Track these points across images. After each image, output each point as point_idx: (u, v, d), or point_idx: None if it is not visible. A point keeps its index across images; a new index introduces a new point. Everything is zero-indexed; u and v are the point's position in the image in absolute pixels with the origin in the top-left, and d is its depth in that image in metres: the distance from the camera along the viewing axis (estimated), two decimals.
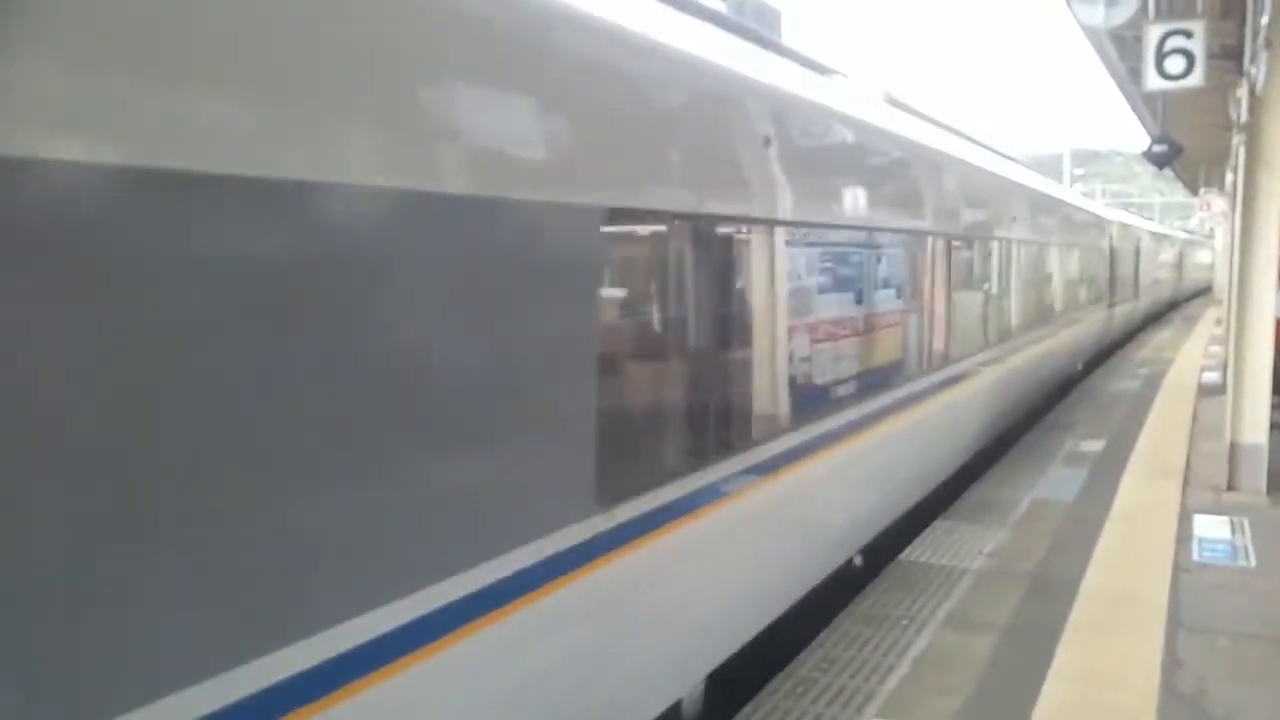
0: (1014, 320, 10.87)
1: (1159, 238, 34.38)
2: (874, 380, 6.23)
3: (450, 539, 2.91)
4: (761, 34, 5.61)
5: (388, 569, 2.68)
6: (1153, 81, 8.78)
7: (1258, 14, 8.15)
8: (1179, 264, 41.01)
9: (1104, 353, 20.48)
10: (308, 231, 2.45)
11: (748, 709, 4.69)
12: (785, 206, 4.94)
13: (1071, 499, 8.47)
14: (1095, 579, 6.32)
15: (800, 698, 4.78)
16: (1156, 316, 31.81)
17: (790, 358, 5.05)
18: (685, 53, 4.34)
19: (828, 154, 5.74)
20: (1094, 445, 10.75)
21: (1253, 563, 6.76)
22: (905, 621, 5.71)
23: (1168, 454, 10.11)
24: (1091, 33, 11.60)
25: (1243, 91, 10.25)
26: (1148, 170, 48.62)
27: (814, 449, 5.22)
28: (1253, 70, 8.82)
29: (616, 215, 3.63)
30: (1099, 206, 22.78)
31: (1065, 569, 6.53)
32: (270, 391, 2.36)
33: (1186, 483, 8.88)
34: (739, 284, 4.71)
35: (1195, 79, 8.63)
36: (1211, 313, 30.47)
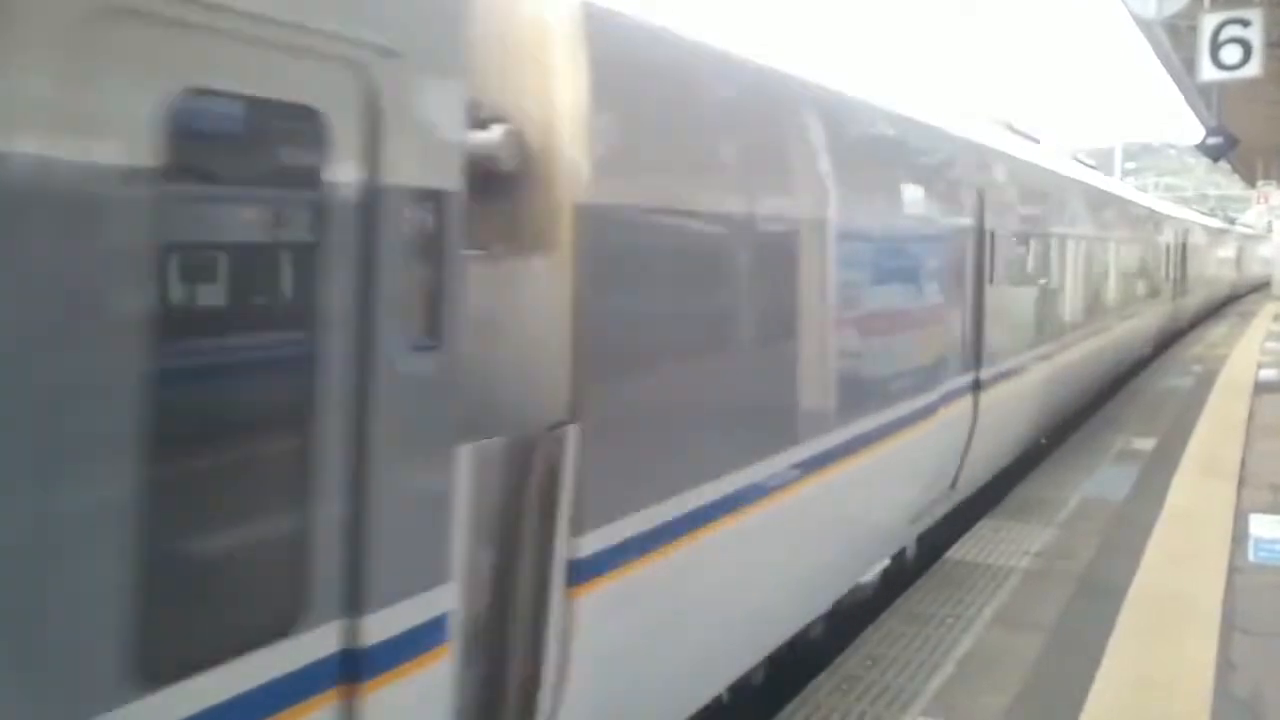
0: None
1: (1103, 206, 13.76)
2: None
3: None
4: None
5: None
6: (1208, 72, 8.63)
7: None
8: (1179, 261, 22.09)
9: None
10: None
11: (792, 705, 4.69)
12: None
13: (1122, 498, 8.33)
14: (1146, 579, 6.21)
15: (845, 695, 4.76)
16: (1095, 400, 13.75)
17: None
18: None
19: None
20: (1145, 443, 10.56)
21: None
22: (951, 620, 5.65)
23: (1222, 453, 9.90)
24: (1144, 23, 11.39)
25: None
26: (1202, 163, 47.52)
27: None
28: None
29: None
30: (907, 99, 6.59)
31: (1115, 569, 6.43)
32: None
33: (1242, 482, 8.70)
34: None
35: (1252, 69, 8.47)
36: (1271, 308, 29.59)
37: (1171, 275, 20.96)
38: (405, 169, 2.49)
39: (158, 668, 2.01)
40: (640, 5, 3.80)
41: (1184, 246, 23.27)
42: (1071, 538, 7.23)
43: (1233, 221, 48.16)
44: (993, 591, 6.13)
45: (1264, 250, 54.23)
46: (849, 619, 5.70)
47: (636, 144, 3.63)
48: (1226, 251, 38.40)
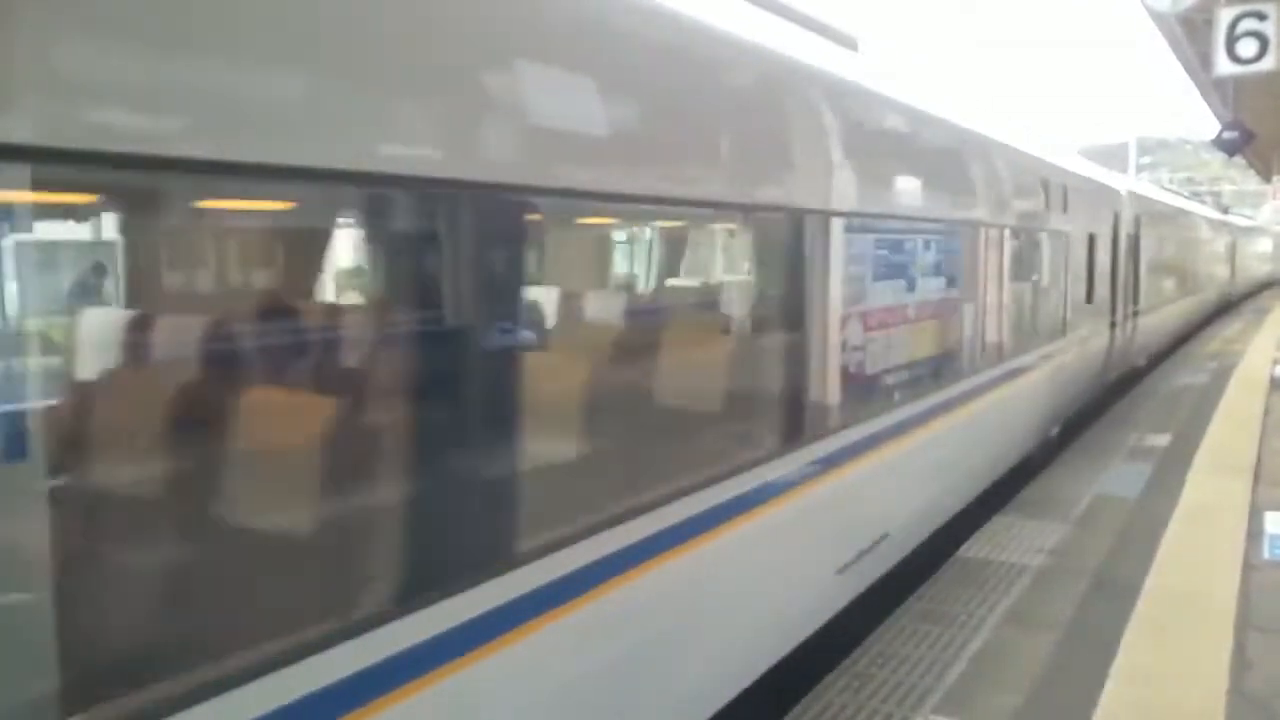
0: None
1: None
2: None
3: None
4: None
5: None
6: (1223, 66, 8.57)
7: None
8: (1125, 262, 13.90)
9: None
10: None
11: (804, 703, 4.68)
12: None
13: (1135, 495, 8.28)
14: (1160, 577, 6.17)
15: (856, 693, 4.75)
16: None
17: None
18: None
19: None
20: (1159, 440, 10.50)
21: None
22: (964, 618, 5.63)
23: (1237, 449, 9.83)
24: (1159, 17, 11.31)
25: None
26: (1217, 158, 47.18)
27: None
28: None
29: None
30: None
31: (1129, 567, 6.40)
32: None
33: (1257, 479, 8.63)
34: None
35: (1269, 63, 8.40)
36: None
37: (1119, 286, 13.35)
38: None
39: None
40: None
41: (1135, 239, 14.60)
42: (1085, 535, 7.20)
43: (1226, 210, 40.38)
44: (1005, 589, 6.11)
45: (1263, 245, 48.14)
46: (858, 617, 5.68)
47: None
48: (1217, 246, 28.96)
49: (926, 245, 6.52)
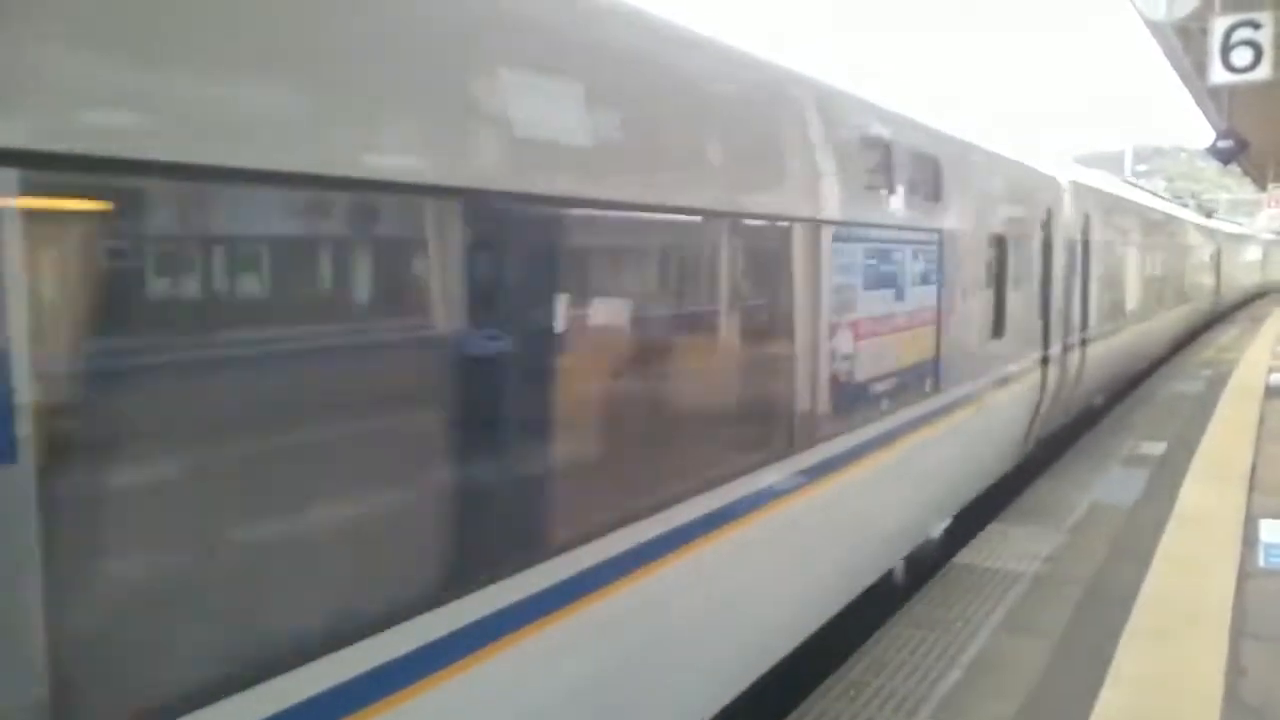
0: None
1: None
2: None
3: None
4: None
5: None
6: (1218, 75, 8.60)
7: None
8: (1070, 275, 10.53)
9: None
10: None
11: (798, 711, 4.67)
12: None
13: (1131, 503, 8.28)
14: (1155, 585, 6.17)
15: (851, 701, 4.74)
16: None
17: None
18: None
19: None
20: (1154, 448, 10.50)
21: None
22: (958, 625, 5.63)
23: (1233, 457, 9.84)
24: (1154, 26, 11.35)
25: None
26: (1212, 166, 47.31)
27: None
28: None
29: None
30: None
31: (1124, 574, 6.39)
32: None
33: (1252, 487, 8.64)
34: None
35: (1263, 72, 8.43)
36: None
37: (1056, 306, 9.97)
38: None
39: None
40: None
41: (1084, 244, 11.28)
42: (1080, 542, 7.20)
43: (1211, 214, 36.24)
44: (1000, 596, 6.10)
45: (1252, 253, 45.08)
46: (854, 624, 5.67)
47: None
48: (1200, 254, 24.94)
49: (551, 242, 3.35)
